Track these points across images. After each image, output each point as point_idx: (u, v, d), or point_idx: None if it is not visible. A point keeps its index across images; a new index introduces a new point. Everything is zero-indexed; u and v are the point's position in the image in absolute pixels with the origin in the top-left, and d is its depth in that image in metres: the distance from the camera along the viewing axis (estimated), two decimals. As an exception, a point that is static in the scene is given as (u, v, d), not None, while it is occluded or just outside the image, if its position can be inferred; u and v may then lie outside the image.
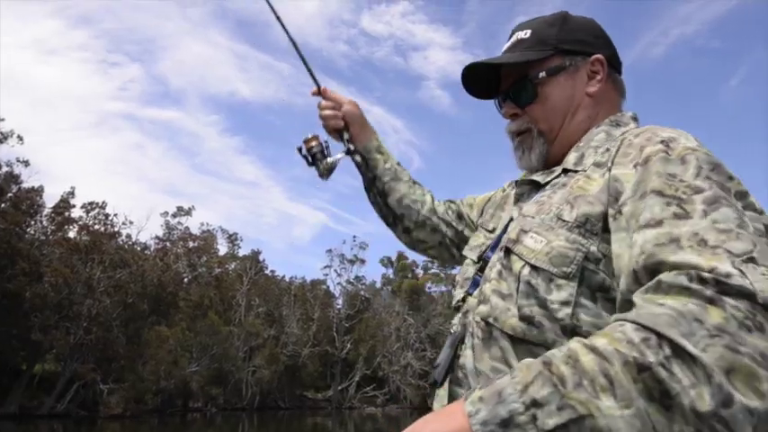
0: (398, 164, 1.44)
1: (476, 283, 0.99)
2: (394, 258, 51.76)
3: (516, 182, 1.11)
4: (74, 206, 29.13)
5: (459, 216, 1.39)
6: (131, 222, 32.07)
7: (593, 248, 0.82)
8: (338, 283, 47.56)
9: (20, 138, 26.80)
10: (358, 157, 1.39)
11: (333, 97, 1.41)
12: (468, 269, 1.07)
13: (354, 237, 55.79)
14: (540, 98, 1.04)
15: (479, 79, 1.13)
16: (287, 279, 46.68)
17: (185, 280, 35.61)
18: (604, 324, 0.72)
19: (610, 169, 0.86)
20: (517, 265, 0.89)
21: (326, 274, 48.40)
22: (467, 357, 0.92)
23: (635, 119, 1.03)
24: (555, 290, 0.83)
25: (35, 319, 24.30)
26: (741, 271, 0.61)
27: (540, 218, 0.91)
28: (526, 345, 0.85)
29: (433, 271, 48.88)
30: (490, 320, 0.89)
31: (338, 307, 45.36)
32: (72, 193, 29.21)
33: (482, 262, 1.02)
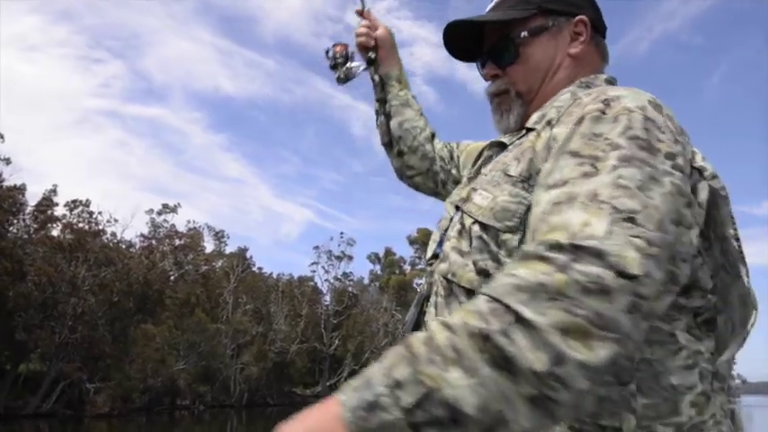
0: (413, 97, 1.48)
1: (442, 242, 0.99)
2: (381, 255, 51.89)
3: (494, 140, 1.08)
4: (57, 204, 28.83)
5: (452, 157, 1.41)
6: (116, 220, 31.79)
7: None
8: (326, 280, 47.63)
9: (0, 136, 26.48)
10: (377, 76, 1.44)
11: (372, 19, 1.46)
12: (444, 224, 1.05)
13: (342, 233, 55.75)
14: (520, 58, 1.01)
15: (463, 40, 1.11)
16: (274, 276, 46.59)
17: (172, 278, 35.37)
18: None
19: (552, 127, 0.86)
20: (468, 222, 0.90)
21: (314, 271, 48.42)
22: (430, 315, 0.93)
23: (610, 82, 1.00)
24: (503, 244, 0.84)
25: (19, 319, 24.03)
26: (611, 231, 0.63)
27: (490, 175, 0.92)
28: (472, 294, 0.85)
29: (420, 266, 49.00)
30: (449, 276, 0.89)
31: (326, 303, 45.37)
32: (54, 191, 28.89)
33: (449, 222, 1.02)
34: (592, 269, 0.61)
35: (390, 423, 0.61)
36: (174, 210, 37.73)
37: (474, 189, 0.93)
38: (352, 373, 42.88)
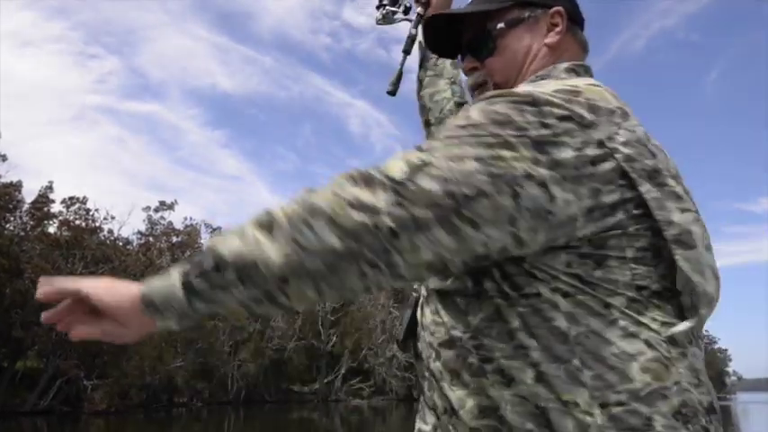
0: (452, 63, 1.44)
1: None
2: (379, 251, 51.81)
3: None
4: (53, 201, 28.75)
5: None
6: (113, 217, 31.73)
7: None
8: (323, 277, 47.43)
9: (-3, 132, 26.33)
10: (421, 37, 1.29)
11: None
12: None
13: (339, 230, 55.45)
14: (498, 50, 1.02)
15: (446, 37, 1.12)
16: (272, 273, 46.41)
17: (169, 275, 35.23)
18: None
19: None
20: None
21: (311, 268, 48.19)
22: (425, 317, 0.97)
23: (573, 70, 0.98)
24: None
25: (16, 316, 23.99)
26: (402, 158, 0.78)
27: None
28: (449, 296, 0.90)
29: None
30: (431, 286, 0.94)
31: (323, 300, 45.33)
32: (50, 188, 28.81)
33: None
34: (365, 174, 0.77)
35: (170, 288, 0.77)
36: (170, 207, 37.69)
37: None
38: (350, 371, 43.20)
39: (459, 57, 1.14)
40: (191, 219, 40.11)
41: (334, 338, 42.10)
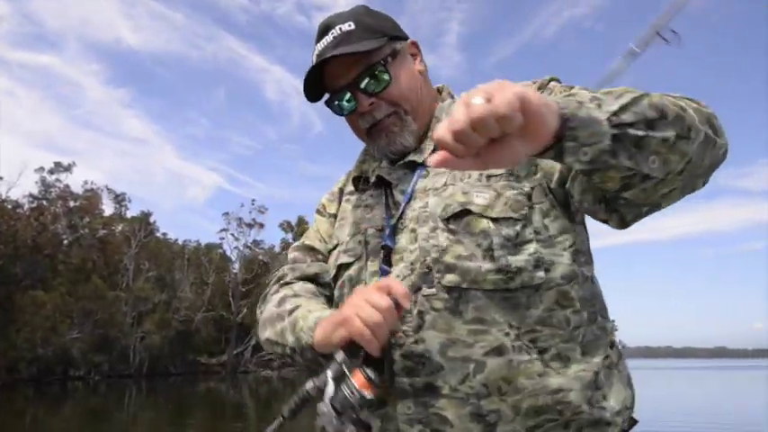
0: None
1: (384, 272, 1.01)
2: (294, 223, 51.35)
3: (386, 166, 1.11)
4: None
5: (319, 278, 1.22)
6: (1, 178, 29.16)
7: (527, 187, 0.98)
8: (235, 248, 46.57)
9: None
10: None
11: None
12: (361, 270, 1.07)
13: (253, 200, 54.70)
14: (393, 80, 1.07)
15: (309, 83, 1.10)
16: (180, 242, 44.88)
17: (65, 242, 33.11)
18: (557, 241, 0.96)
19: None
20: (480, 222, 0.96)
21: (223, 238, 47.11)
22: (429, 339, 0.93)
23: (448, 93, 1.19)
24: (520, 233, 0.95)
25: None
26: None
27: (465, 181, 1.00)
28: (502, 294, 0.93)
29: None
30: (464, 285, 0.93)
31: (234, 271, 44.45)
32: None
33: (384, 251, 1.02)
34: None
35: (594, 118, 0.75)
36: (68, 169, 35.13)
37: (465, 193, 0.99)
38: (259, 343, 42.60)
39: (332, 100, 1.10)
40: (91, 183, 37.67)
41: (245, 310, 41.47)
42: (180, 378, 34.97)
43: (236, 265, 45.11)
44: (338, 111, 1.12)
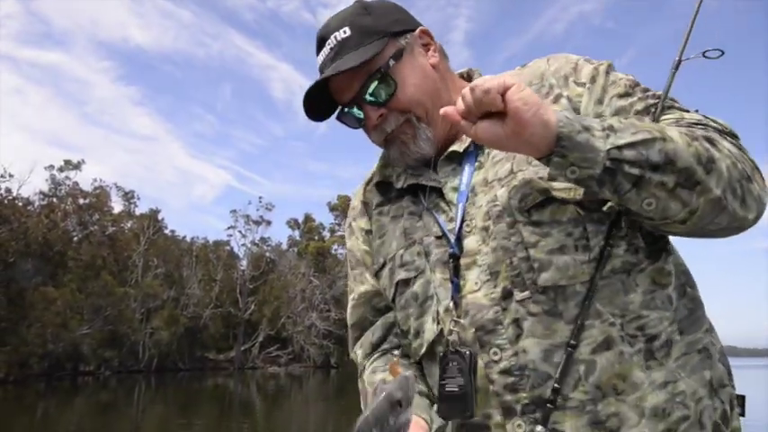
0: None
1: (456, 285, 0.93)
2: (301, 220, 51.51)
3: (421, 170, 1.02)
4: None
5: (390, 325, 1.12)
6: (11, 176, 29.38)
7: None
8: (243, 245, 46.81)
9: None
10: None
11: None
12: (427, 284, 0.97)
13: (260, 198, 54.83)
14: (400, 86, 0.98)
15: (315, 100, 1.02)
16: (188, 239, 45.13)
17: (75, 239, 33.37)
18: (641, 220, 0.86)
19: (558, 99, 0.95)
20: (568, 210, 0.87)
21: (231, 235, 47.57)
22: (530, 348, 0.85)
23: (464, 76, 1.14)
24: (605, 218, 0.87)
25: None
26: None
27: (535, 164, 0.89)
28: (601, 281, 0.85)
29: (339, 233, 49.18)
30: (562, 282, 0.85)
31: (242, 268, 44.63)
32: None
33: (453, 260, 0.93)
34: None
35: (591, 146, 0.77)
36: (77, 166, 35.38)
37: (542, 179, 0.89)
38: (268, 338, 42.96)
39: (341, 114, 1.04)
40: (100, 180, 37.95)
41: (253, 306, 41.65)
42: (188, 374, 35.18)
43: (244, 262, 45.32)
44: (351, 125, 1.05)
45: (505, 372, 0.86)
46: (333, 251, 48.08)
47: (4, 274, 25.36)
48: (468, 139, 0.98)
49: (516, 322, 0.86)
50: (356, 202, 1.18)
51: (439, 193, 1.00)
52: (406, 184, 1.04)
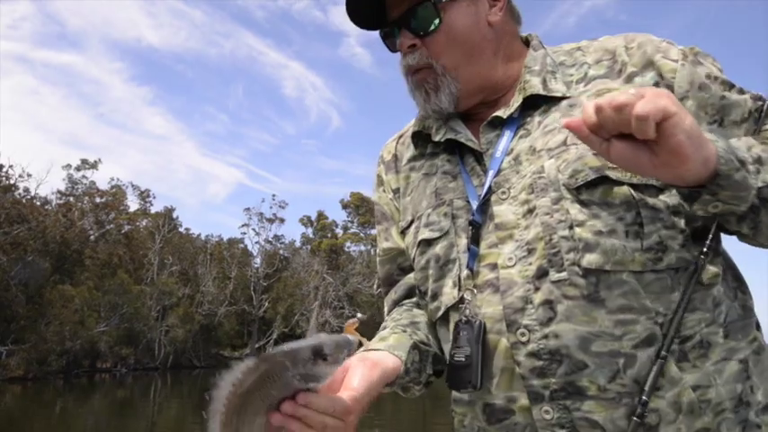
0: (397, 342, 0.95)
1: (473, 253, 0.88)
2: (314, 218, 51.61)
3: (462, 129, 0.96)
4: (-39, 155, 26.56)
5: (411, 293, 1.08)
6: (29, 175, 29.76)
7: None
8: (256, 242, 47.18)
9: None
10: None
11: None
12: (450, 247, 0.93)
13: (273, 195, 55.05)
14: (443, 26, 0.91)
15: (364, 5, 0.96)
16: (202, 237, 45.46)
17: (92, 237, 33.77)
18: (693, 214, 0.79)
19: (632, 77, 0.88)
20: (621, 190, 0.80)
21: (244, 233, 47.86)
22: (564, 333, 0.79)
23: (526, 42, 1.02)
24: (667, 201, 0.81)
25: None
26: None
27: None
28: (652, 274, 0.79)
29: (352, 231, 49.28)
30: (607, 267, 0.79)
31: (256, 266, 44.89)
32: (-41, 141, 26.58)
33: (472, 227, 0.89)
34: None
35: (746, 185, 0.71)
36: (94, 166, 35.78)
37: (596, 154, 0.81)
38: (282, 336, 43.09)
39: (383, 32, 0.99)
40: (117, 179, 38.37)
41: (267, 304, 41.87)
42: (203, 371, 35.47)
43: (258, 260, 45.57)
44: (389, 47, 0.98)
45: (533, 354, 0.81)
46: (346, 248, 48.16)
47: (23, 272, 25.74)
48: (515, 105, 0.92)
49: (549, 304, 0.81)
50: (386, 155, 1.13)
51: (478, 156, 0.94)
52: (444, 138, 0.97)
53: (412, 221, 1.02)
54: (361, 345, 0.92)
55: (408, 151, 1.07)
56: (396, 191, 1.08)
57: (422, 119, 1.04)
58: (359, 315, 1.03)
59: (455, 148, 0.98)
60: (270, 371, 0.67)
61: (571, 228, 0.81)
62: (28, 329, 25.73)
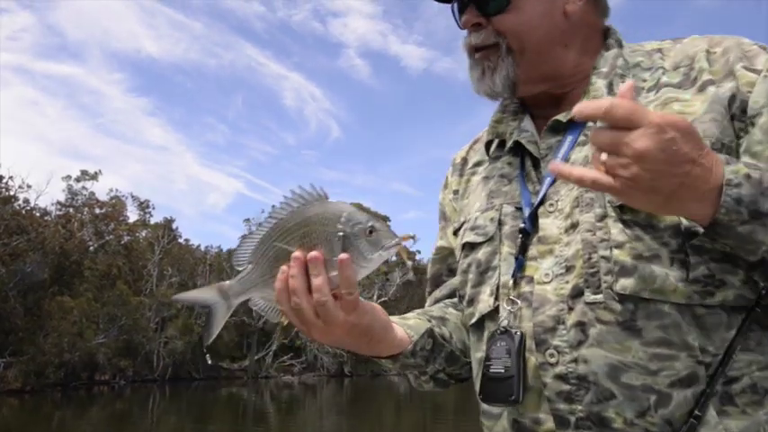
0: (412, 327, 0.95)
1: (519, 264, 0.85)
2: (313, 228, 51.51)
3: (530, 130, 0.93)
4: (-39, 167, 26.60)
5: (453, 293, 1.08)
6: (29, 186, 29.76)
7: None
8: (256, 253, 46.72)
9: None
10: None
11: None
12: (493, 254, 0.89)
13: (273, 206, 54.71)
14: (512, 7, 0.87)
15: None
16: (202, 248, 45.40)
17: (91, 248, 33.71)
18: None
19: (706, 86, 0.81)
20: (668, 216, 0.74)
21: (244, 244, 47.31)
22: (594, 359, 0.74)
23: (605, 35, 0.95)
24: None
25: None
26: None
27: None
28: (701, 309, 0.73)
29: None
30: (645, 295, 0.73)
31: (256, 277, 44.74)
32: (-41, 153, 26.64)
33: (522, 236, 0.85)
34: None
35: (752, 239, 0.65)
36: (93, 177, 35.78)
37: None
38: (281, 347, 42.97)
39: (454, 6, 0.96)
40: (116, 190, 38.35)
41: (266, 315, 41.76)
42: (203, 383, 35.27)
43: (258, 271, 45.43)
44: (457, 23, 0.95)
45: (561, 377, 0.77)
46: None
47: (22, 283, 25.67)
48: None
49: (581, 326, 0.76)
50: (457, 158, 1.12)
51: (536, 161, 0.90)
52: (512, 140, 0.94)
53: (463, 224, 1.00)
54: (406, 255, 0.99)
55: (477, 155, 1.07)
56: (456, 192, 1.08)
57: (495, 124, 1.00)
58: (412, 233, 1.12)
59: (518, 150, 0.94)
60: (324, 215, 0.75)
61: (611, 248, 0.76)
62: (26, 341, 25.60)
